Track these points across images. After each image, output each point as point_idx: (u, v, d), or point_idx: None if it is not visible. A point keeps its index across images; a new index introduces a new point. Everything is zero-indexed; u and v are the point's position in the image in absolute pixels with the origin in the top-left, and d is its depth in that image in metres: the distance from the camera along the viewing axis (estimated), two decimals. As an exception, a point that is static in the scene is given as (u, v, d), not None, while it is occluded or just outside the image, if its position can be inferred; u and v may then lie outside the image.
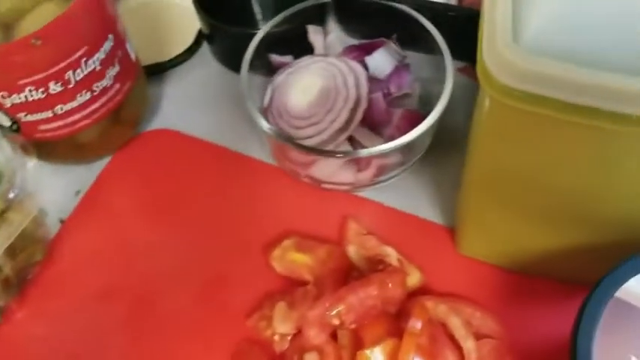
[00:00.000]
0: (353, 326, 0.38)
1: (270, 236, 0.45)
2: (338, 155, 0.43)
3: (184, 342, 0.42)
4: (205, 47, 0.57)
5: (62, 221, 0.47)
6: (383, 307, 0.39)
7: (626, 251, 0.33)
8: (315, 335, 0.37)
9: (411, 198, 0.47)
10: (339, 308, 0.37)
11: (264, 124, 0.43)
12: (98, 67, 0.44)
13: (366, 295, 0.37)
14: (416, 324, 0.36)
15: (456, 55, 0.45)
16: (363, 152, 0.42)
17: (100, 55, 0.44)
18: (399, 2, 0.47)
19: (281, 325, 0.40)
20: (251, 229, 0.46)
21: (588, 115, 0.27)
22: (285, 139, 0.43)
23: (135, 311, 0.43)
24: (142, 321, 0.43)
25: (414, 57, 0.49)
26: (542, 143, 0.31)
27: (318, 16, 0.50)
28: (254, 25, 0.54)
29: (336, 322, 0.37)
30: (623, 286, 0.32)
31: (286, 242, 0.44)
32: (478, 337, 0.38)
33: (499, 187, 0.36)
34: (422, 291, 0.41)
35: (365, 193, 0.47)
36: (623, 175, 0.31)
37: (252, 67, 0.47)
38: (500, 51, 0.27)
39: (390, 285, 0.38)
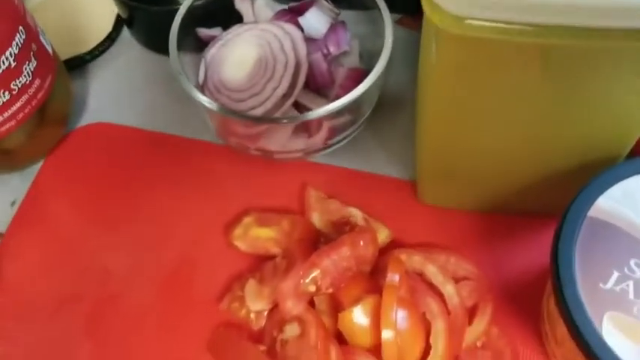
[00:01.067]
0: (330, 290, 0.37)
1: (229, 216, 0.44)
2: (285, 121, 0.42)
3: (156, 337, 0.40)
4: (126, 33, 0.54)
5: (1, 235, 0.44)
6: (357, 268, 0.38)
7: (587, 174, 0.34)
8: (292, 306, 0.36)
9: (367, 157, 0.46)
10: (314, 274, 0.36)
11: (205, 100, 0.41)
12: (13, 63, 0.41)
13: (339, 257, 0.37)
14: (393, 277, 0.36)
15: (391, 8, 0.44)
16: (312, 114, 0.40)
17: (13, 49, 0.41)
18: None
19: (254, 303, 0.39)
20: (208, 213, 0.45)
21: (543, 35, 0.27)
22: (231, 113, 0.41)
23: (96, 316, 0.41)
24: (107, 324, 0.41)
25: (348, 15, 0.48)
26: (499, 73, 0.30)
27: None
28: (175, 1, 0.52)
29: (312, 289, 0.36)
30: (594, 205, 0.33)
31: (246, 219, 0.43)
32: (456, 280, 0.38)
33: (457, 128, 0.35)
34: (392, 246, 0.41)
35: (320, 159, 0.46)
36: (582, 98, 0.32)
37: (180, 44, 0.44)
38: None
39: (361, 243, 0.38)
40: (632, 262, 0.31)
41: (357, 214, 0.42)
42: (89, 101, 0.51)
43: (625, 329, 0.29)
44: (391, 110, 0.48)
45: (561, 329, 0.32)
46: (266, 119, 0.42)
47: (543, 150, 0.36)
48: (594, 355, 0.29)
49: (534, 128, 0.34)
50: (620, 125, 0.34)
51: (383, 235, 0.41)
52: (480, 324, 0.37)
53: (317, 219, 0.43)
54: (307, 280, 0.36)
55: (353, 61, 0.47)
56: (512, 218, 0.42)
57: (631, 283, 0.30)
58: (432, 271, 0.38)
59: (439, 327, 0.35)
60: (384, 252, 0.40)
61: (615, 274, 0.31)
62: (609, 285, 0.30)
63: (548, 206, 0.38)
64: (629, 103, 0.32)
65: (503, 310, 0.39)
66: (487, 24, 0.27)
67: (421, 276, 0.38)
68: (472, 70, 0.31)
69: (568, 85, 0.31)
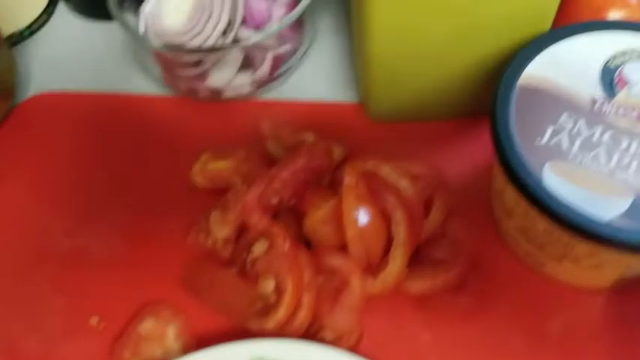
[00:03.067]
0: (292, 202, 0.39)
1: (188, 161, 0.45)
2: (228, 49, 0.43)
3: (130, 282, 0.41)
4: (62, 5, 0.55)
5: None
6: (316, 179, 0.40)
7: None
8: (258, 220, 0.38)
9: (314, 87, 0.49)
10: (275, 185, 0.38)
11: (151, 41, 0.43)
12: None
13: (297, 169, 0.39)
14: (350, 178, 0.38)
15: None
16: (252, 40, 0.42)
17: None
18: None
19: (220, 231, 0.40)
20: (167, 162, 0.46)
21: None
22: (177, 48, 0.43)
23: (64, 271, 0.42)
24: (76, 276, 0.41)
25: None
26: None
27: None
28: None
29: (274, 200, 0.38)
30: (524, 73, 0.35)
31: (204, 156, 0.44)
32: (412, 178, 0.41)
33: (397, 34, 0.38)
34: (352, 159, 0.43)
35: (269, 95, 0.48)
36: None
37: (119, 5, 0.46)
38: None
39: (317, 152, 0.40)
40: (563, 116, 0.34)
41: (310, 137, 0.44)
42: (33, 74, 0.52)
43: (564, 174, 0.32)
44: (330, 39, 0.50)
45: (508, 197, 0.35)
46: (209, 49, 0.43)
47: (477, 36, 0.38)
48: (538, 201, 0.31)
49: (466, 11, 0.37)
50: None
51: (338, 152, 0.43)
52: (437, 213, 0.39)
53: (273, 147, 0.44)
54: (269, 192, 0.38)
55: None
56: (457, 121, 0.45)
57: (564, 135, 0.33)
58: (386, 171, 0.40)
59: (399, 217, 0.37)
60: (340, 167, 0.42)
61: (549, 129, 0.33)
62: (545, 140, 0.33)
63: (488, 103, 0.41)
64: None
65: (459, 203, 0.41)
66: None
67: (378, 178, 0.40)
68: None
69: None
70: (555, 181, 0.32)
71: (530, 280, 0.39)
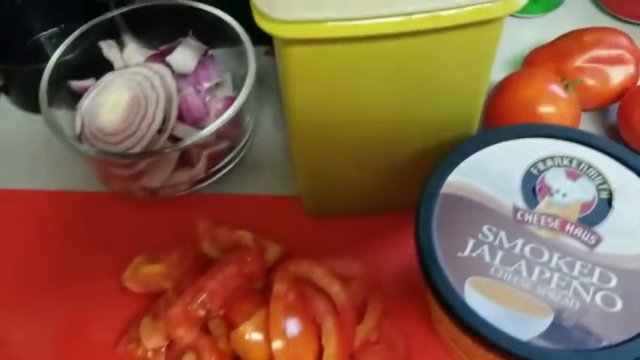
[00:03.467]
0: (222, 312, 0.38)
1: (122, 262, 0.44)
2: (159, 154, 0.43)
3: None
4: (4, 101, 0.55)
5: None
6: (248, 286, 0.39)
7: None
8: (184, 334, 0.37)
9: (253, 180, 0.49)
10: (202, 298, 0.37)
11: (82, 147, 0.43)
12: None
13: (226, 277, 0.38)
14: (280, 287, 0.37)
15: (259, 40, 0.46)
16: (184, 143, 0.42)
17: None
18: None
19: (150, 340, 0.39)
20: (101, 262, 0.45)
21: (365, 29, 0.30)
22: (107, 154, 0.43)
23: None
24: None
25: (222, 51, 0.51)
26: (343, 72, 0.33)
27: (110, 32, 0.51)
28: (46, 58, 0.54)
29: (202, 313, 0.37)
30: (446, 182, 0.35)
31: (136, 259, 0.43)
32: (346, 280, 0.40)
33: (323, 131, 0.38)
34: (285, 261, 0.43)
35: (207, 190, 0.48)
36: (424, 84, 0.35)
37: (55, 99, 0.46)
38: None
39: (248, 260, 0.39)
40: (484, 228, 0.34)
41: (246, 236, 0.44)
42: (-29, 170, 0.51)
43: (485, 290, 0.32)
44: (271, 133, 0.50)
45: (436, 306, 0.35)
46: (141, 154, 0.43)
47: (403, 139, 0.39)
48: (459, 319, 0.31)
49: (392, 117, 0.37)
50: (462, 105, 0.37)
51: (273, 252, 0.43)
52: (371, 318, 0.39)
53: (208, 247, 0.44)
54: (195, 305, 0.37)
55: (227, 91, 0.50)
56: (390, 216, 0.45)
57: (486, 248, 0.33)
58: (319, 275, 0.39)
59: (329, 326, 0.37)
60: (275, 268, 0.42)
61: (471, 242, 0.33)
62: (467, 252, 0.33)
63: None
64: (465, 84, 0.36)
65: (394, 303, 0.41)
66: (308, 24, 0.30)
67: (310, 282, 0.40)
68: (320, 72, 0.33)
69: (407, 73, 0.34)
70: (476, 297, 0.31)
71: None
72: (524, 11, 0.57)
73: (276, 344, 0.35)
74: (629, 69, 0.48)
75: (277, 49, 0.33)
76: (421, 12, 0.29)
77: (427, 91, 0.35)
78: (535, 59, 0.51)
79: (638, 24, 0.56)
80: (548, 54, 0.50)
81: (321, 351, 0.37)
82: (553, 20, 0.58)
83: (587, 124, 0.50)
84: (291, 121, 0.38)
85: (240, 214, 0.47)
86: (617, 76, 0.48)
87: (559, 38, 0.51)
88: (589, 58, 0.48)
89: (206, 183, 0.47)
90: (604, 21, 0.57)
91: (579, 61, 0.48)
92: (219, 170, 0.47)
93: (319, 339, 0.37)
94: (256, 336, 0.37)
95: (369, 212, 0.45)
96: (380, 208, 0.44)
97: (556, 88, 0.45)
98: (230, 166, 0.48)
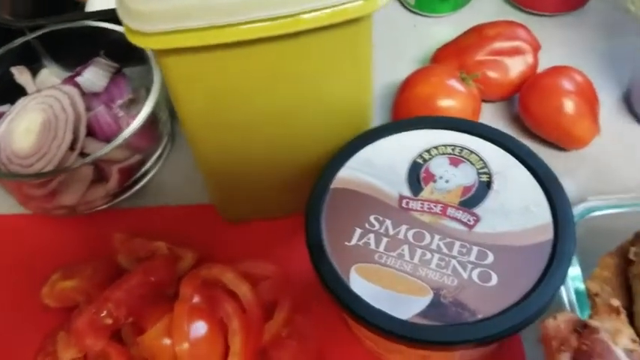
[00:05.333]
0: (131, 320, 0.40)
1: (43, 280, 0.46)
2: (63, 170, 0.45)
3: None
4: None
5: None
6: (159, 293, 0.41)
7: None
8: (93, 342, 0.39)
9: (172, 190, 0.51)
10: (108, 307, 0.39)
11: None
12: None
13: (132, 286, 0.40)
14: (185, 291, 0.39)
15: None
16: (89, 159, 0.44)
17: None
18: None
19: (65, 354, 0.40)
20: (21, 281, 0.46)
21: (224, 35, 0.32)
22: (17, 176, 0.45)
23: None
24: None
25: (137, 69, 0.53)
26: (221, 77, 0.36)
27: (29, 57, 0.53)
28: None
29: (108, 321, 0.39)
30: (336, 178, 0.38)
31: (54, 276, 0.45)
32: (258, 281, 0.42)
33: (216, 141, 0.40)
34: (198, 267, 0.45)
35: (126, 203, 0.50)
36: (310, 83, 0.37)
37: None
38: (121, 3, 0.31)
39: (157, 268, 0.41)
40: (371, 218, 0.36)
41: (161, 246, 0.45)
42: None
43: (370, 276, 0.34)
44: (185, 145, 0.52)
45: (332, 295, 0.37)
46: (46, 173, 0.45)
47: (299, 141, 0.41)
48: (344, 304, 0.33)
49: (284, 121, 0.39)
50: (350, 105, 0.40)
51: (187, 260, 0.45)
52: (280, 315, 0.41)
53: (124, 260, 0.45)
54: (102, 314, 0.39)
55: (142, 107, 0.52)
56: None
57: (372, 236, 0.35)
58: (229, 278, 0.41)
59: (234, 325, 0.39)
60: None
61: (358, 232, 0.36)
62: (353, 242, 0.35)
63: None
64: (347, 85, 0.38)
65: (309, 299, 0.43)
66: (174, 35, 0.32)
67: (222, 285, 0.42)
68: (200, 79, 0.36)
69: (286, 75, 0.36)
70: (361, 283, 0.34)
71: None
72: (435, 10, 0.60)
73: (180, 347, 0.37)
74: (528, 59, 0.51)
75: (156, 61, 0.36)
76: (282, 17, 0.32)
77: (310, 92, 0.38)
78: (440, 56, 0.54)
79: (546, 15, 0.60)
80: (452, 50, 0.53)
81: (228, 351, 0.39)
82: (463, 17, 0.61)
83: (490, 116, 0.52)
84: (185, 130, 0.40)
85: (158, 225, 0.48)
86: (517, 66, 0.51)
87: (462, 34, 0.54)
88: (489, 52, 0.51)
89: (122, 197, 0.49)
90: (513, 15, 0.60)
91: (480, 55, 0.51)
92: (134, 184, 0.49)
93: (227, 339, 0.39)
94: (163, 340, 0.38)
95: (283, 214, 0.47)
96: (292, 209, 0.46)
97: (454, 83, 0.48)
98: (146, 179, 0.49)
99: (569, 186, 0.48)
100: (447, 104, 0.47)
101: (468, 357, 0.37)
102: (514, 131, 0.51)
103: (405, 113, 0.48)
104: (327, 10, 0.32)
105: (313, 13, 0.32)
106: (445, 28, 0.60)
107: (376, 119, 0.51)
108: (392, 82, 0.54)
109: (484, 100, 0.52)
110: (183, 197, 0.50)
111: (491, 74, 0.51)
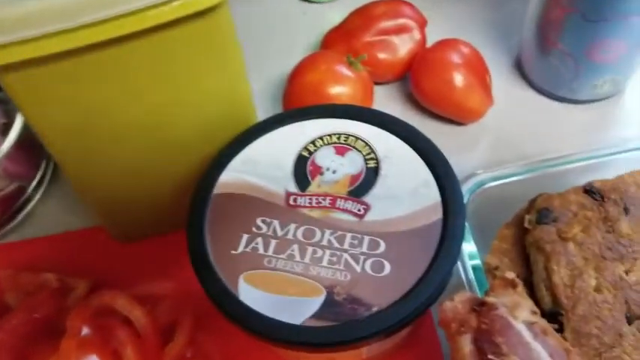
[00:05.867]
0: (18, 361, 0.37)
1: None
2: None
3: None
4: None
5: None
6: (48, 330, 0.38)
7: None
8: (-26, 394, 0.35)
9: (61, 216, 0.47)
10: (-13, 353, 0.36)
11: None
12: None
13: (14, 326, 0.37)
14: (73, 324, 0.37)
15: None
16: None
17: None
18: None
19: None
20: None
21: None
22: None
23: None
24: None
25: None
26: (73, 89, 0.33)
27: None
28: None
29: (-9, 368, 0.36)
30: (217, 183, 0.36)
31: None
32: (157, 301, 0.40)
33: (83, 158, 0.37)
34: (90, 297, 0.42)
35: (11, 236, 0.46)
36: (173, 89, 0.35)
37: None
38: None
39: (42, 303, 0.38)
40: (258, 221, 0.34)
41: (49, 278, 0.42)
42: None
43: (259, 283, 0.32)
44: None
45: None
46: None
47: (178, 149, 0.39)
48: (232, 316, 0.31)
49: (157, 128, 0.37)
50: (227, 103, 0.38)
51: (80, 289, 0.42)
52: (180, 336, 0.39)
53: (11, 298, 0.42)
54: (-19, 362, 0.36)
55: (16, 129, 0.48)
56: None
57: (260, 240, 0.33)
58: (120, 303, 0.39)
59: (128, 354, 0.36)
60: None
61: (245, 237, 0.34)
62: (240, 249, 0.33)
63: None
64: (216, 81, 0.36)
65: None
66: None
67: (116, 312, 0.39)
68: (48, 93, 0.32)
69: (146, 78, 0.34)
70: (250, 292, 0.32)
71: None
72: (324, -3, 0.59)
73: (71, 387, 0.35)
74: (415, 36, 0.50)
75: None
76: (125, 15, 0.29)
77: (178, 95, 0.35)
78: (329, 41, 0.52)
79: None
80: (340, 34, 0.52)
81: (126, 380, 0.36)
82: (353, 0, 0.59)
83: (385, 97, 0.51)
84: (50, 151, 0.37)
85: (47, 256, 0.45)
86: (405, 45, 0.50)
87: (349, 16, 0.53)
88: (376, 32, 0.50)
89: (4, 230, 0.45)
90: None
91: (368, 37, 0.50)
92: (15, 214, 0.45)
93: (124, 368, 0.37)
94: (54, 381, 0.36)
95: (178, 227, 0.44)
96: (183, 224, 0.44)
97: (343, 68, 0.47)
98: (28, 208, 0.46)
99: (470, 160, 0.49)
100: (337, 91, 0.46)
101: (377, 350, 0.36)
102: (410, 110, 0.51)
103: (296, 103, 0.46)
104: (175, 3, 0.30)
105: (160, 8, 0.30)
106: (335, 13, 0.58)
107: (270, 113, 0.49)
108: (284, 72, 0.52)
109: (377, 83, 0.51)
110: (72, 223, 0.47)
111: (381, 55, 0.50)
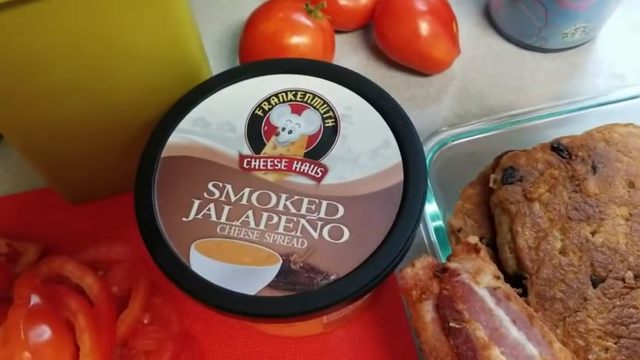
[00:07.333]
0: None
1: None
2: None
3: None
4: None
5: None
6: (-5, 299, 0.37)
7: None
8: None
9: (7, 178, 0.45)
10: None
11: None
12: None
13: (-44, 298, 0.35)
14: (20, 293, 0.35)
15: None
16: None
17: None
18: None
19: None
20: None
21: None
22: None
23: None
24: None
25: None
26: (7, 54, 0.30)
27: None
28: None
29: None
30: (166, 146, 0.34)
31: None
32: (112, 265, 0.38)
33: (29, 118, 0.35)
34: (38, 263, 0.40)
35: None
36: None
37: None
38: None
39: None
40: (210, 185, 0.32)
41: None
42: None
43: (212, 252, 0.31)
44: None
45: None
46: None
47: (125, 109, 0.36)
48: (184, 287, 0.30)
49: (100, 89, 0.34)
50: (176, 61, 0.35)
51: (30, 254, 0.40)
52: (136, 301, 0.37)
53: (-43, 266, 0.40)
54: None
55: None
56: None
57: (212, 206, 0.32)
58: (70, 270, 0.37)
59: (81, 323, 0.35)
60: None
61: (196, 204, 0.32)
62: (192, 216, 0.32)
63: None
64: (159, 37, 0.33)
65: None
66: None
67: (66, 279, 0.38)
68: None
69: (85, 39, 0.31)
70: (203, 261, 0.30)
71: (251, 338, 0.38)
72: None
73: (20, 357, 0.33)
74: (379, -19, 0.48)
75: None
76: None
77: (119, 50, 0.33)
78: (286, -12, 0.49)
79: None
80: (300, -21, 0.49)
81: (79, 351, 0.35)
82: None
83: (348, 47, 0.49)
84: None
85: (-4, 218, 0.43)
86: (368, -10, 0.48)
87: (309, -40, 0.49)
88: (338, -24, 0.47)
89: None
90: None
91: (329, -18, 0.47)
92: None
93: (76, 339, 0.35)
94: (5, 348, 0.34)
95: (130, 189, 0.42)
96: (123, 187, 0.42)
97: (301, 17, 0.44)
98: (-29, 170, 0.44)
99: (436, 113, 0.47)
100: (296, 41, 0.43)
101: (337, 315, 0.35)
102: (373, 60, 0.48)
103: (251, 56, 0.44)
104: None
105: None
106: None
107: (226, 67, 0.47)
108: (240, 21, 0.49)
109: (338, 31, 0.48)
110: (20, 184, 0.45)
111: (342, 1, 0.47)
